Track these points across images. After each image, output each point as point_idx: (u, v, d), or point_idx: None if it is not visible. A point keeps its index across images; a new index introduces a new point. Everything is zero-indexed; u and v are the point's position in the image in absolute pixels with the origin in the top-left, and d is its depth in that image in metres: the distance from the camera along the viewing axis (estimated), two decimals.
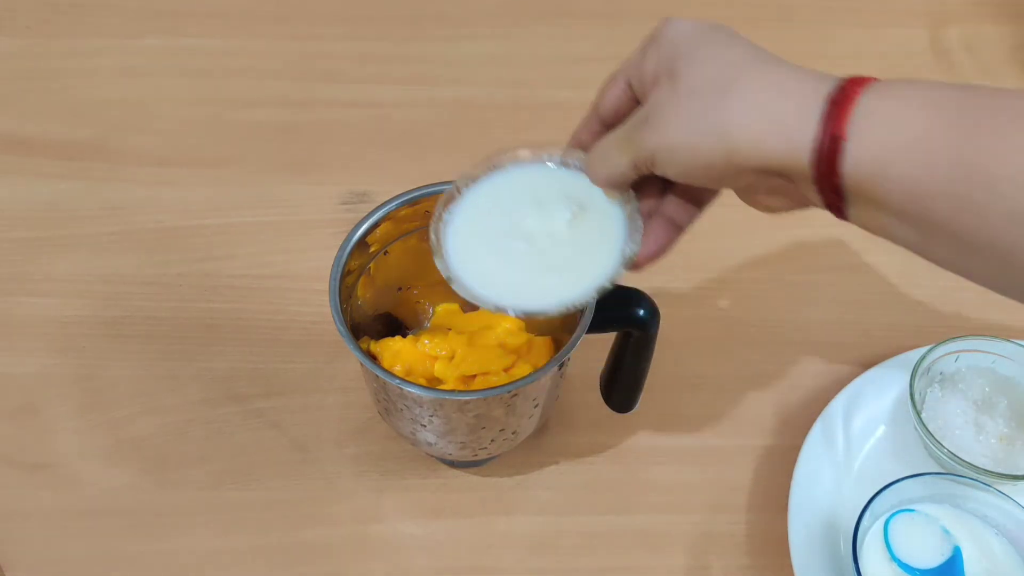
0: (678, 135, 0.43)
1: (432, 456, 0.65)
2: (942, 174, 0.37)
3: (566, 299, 0.49)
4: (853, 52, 0.88)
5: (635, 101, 0.49)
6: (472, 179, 0.53)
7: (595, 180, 0.49)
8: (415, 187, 0.59)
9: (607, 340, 0.62)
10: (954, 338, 0.65)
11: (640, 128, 0.45)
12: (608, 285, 0.49)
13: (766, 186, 0.44)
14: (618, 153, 0.47)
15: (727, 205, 0.50)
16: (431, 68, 0.87)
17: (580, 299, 0.49)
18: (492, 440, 0.59)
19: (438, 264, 0.51)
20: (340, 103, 0.84)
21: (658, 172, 0.46)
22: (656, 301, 0.57)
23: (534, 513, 0.64)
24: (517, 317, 0.56)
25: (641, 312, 0.57)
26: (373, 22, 0.90)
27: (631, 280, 0.58)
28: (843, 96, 0.39)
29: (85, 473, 0.65)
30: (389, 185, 0.61)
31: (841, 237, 0.77)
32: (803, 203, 0.44)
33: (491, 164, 0.53)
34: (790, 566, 0.59)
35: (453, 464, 0.65)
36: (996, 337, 0.65)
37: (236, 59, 0.87)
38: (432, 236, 0.52)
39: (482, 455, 0.61)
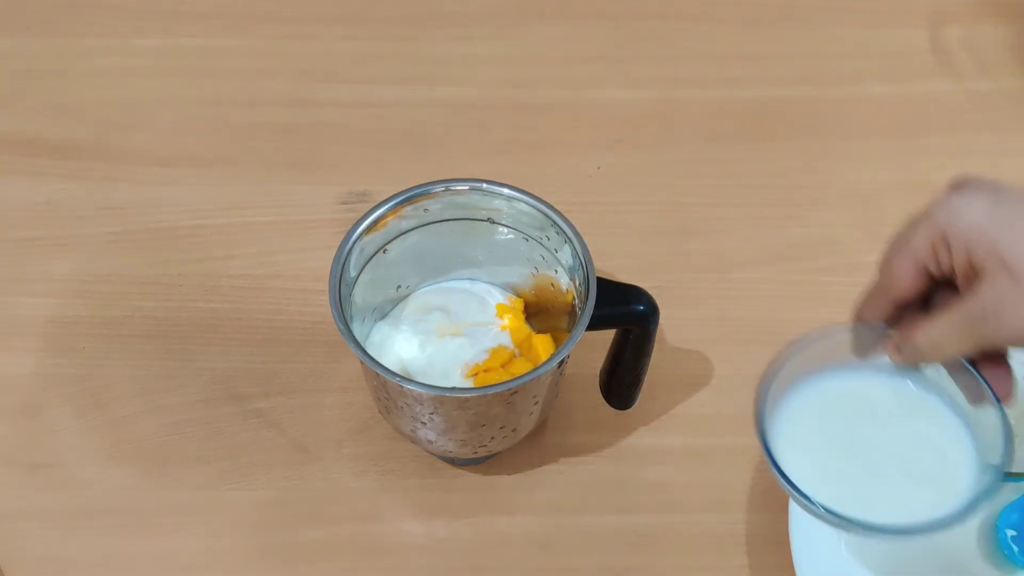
0: None
1: (432, 454, 0.65)
2: None
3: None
4: (853, 52, 0.88)
5: (929, 279, 0.49)
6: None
7: (924, 360, 0.50)
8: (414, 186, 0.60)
9: (607, 339, 0.62)
10: None
11: (985, 323, 0.46)
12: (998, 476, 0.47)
13: None
14: (958, 345, 0.48)
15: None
16: (431, 68, 0.87)
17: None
18: (492, 437, 0.59)
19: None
20: (340, 103, 0.84)
21: (997, 348, 0.48)
22: (656, 301, 0.57)
23: (534, 513, 0.64)
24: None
25: (641, 308, 0.57)
26: (373, 22, 0.90)
27: (630, 278, 0.59)
28: None
29: (85, 473, 0.65)
30: (389, 185, 0.61)
31: (841, 237, 0.77)
32: None
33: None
34: (790, 566, 0.59)
35: (453, 462, 0.65)
36: None
37: (236, 59, 0.87)
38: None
39: (482, 452, 0.61)
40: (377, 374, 0.54)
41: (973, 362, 0.49)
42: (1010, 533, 0.61)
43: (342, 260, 0.58)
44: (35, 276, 0.73)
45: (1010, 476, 0.61)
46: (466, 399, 0.55)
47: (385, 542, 0.63)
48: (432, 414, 0.56)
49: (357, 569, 0.62)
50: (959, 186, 0.48)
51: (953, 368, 0.50)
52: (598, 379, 0.64)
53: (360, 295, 0.61)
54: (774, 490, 0.64)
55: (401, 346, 0.63)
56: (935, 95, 0.85)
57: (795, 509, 0.61)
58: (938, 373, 0.50)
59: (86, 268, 0.73)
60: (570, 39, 0.90)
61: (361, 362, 0.55)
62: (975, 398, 0.49)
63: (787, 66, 0.86)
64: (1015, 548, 0.60)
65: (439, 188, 0.60)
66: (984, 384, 0.48)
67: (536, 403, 0.59)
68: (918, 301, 0.50)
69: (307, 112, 0.83)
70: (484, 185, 0.60)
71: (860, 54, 0.88)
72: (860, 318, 0.52)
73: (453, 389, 0.55)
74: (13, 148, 0.80)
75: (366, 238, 0.60)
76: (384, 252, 0.62)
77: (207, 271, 0.73)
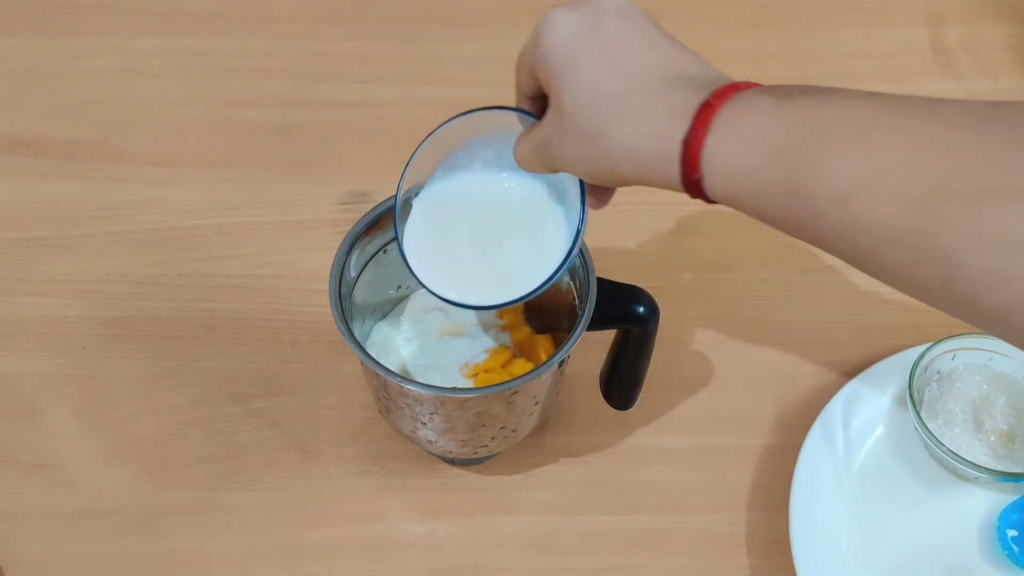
0: (576, 167, 0.48)
1: (432, 455, 0.65)
2: (778, 203, 0.42)
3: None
4: (853, 52, 0.88)
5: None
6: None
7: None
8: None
9: (607, 340, 0.62)
10: (951, 336, 0.65)
11: (546, 150, 0.49)
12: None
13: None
14: (534, 165, 0.51)
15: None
16: (431, 68, 0.87)
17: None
18: (492, 438, 0.59)
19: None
20: (340, 103, 0.84)
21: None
22: (656, 301, 0.57)
23: (534, 513, 0.64)
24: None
25: (641, 309, 0.57)
26: (373, 22, 0.90)
27: (630, 278, 0.59)
28: (693, 139, 0.43)
29: (85, 473, 0.65)
30: (389, 185, 0.61)
31: None
32: None
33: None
34: (790, 566, 0.59)
35: (453, 462, 0.65)
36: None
37: (236, 59, 0.87)
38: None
39: (482, 453, 0.61)
40: (377, 374, 0.54)
41: None
42: (1010, 533, 0.61)
43: (342, 260, 0.58)
44: (35, 276, 0.73)
45: (1010, 476, 0.61)
46: (466, 399, 0.55)
47: (385, 542, 0.63)
48: (432, 414, 0.56)
49: (357, 569, 0.62)
50: None
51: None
52: (598, 379, 0.64)
53: (360, 295, 0.61)
54: (774, 490, 0.64)
55: (401, 346, 0.63)
56: (935, 95, 0.84)
57: (795, 509, 0.61)
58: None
59: (86, 268, 0.73)
60: None
61: (361, 362, 0.55)
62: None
63: (787, 66, 0.86)
64: (1015, 548, 0.60)
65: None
66: (580, 189, 0.51)
67: (536, 403, 0.59)
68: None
69: (307, 112, 0.83)
70: None
71: (860, 54, 0.88)
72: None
73: (453, 389, 0.55)
74: (13, 148, 0.80)
75: (366, 238, 0.60)
76: (384, 252, 0.62)
77: (207, 271, 0.73)
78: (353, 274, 0.60)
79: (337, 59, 0.87)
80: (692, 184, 0.44)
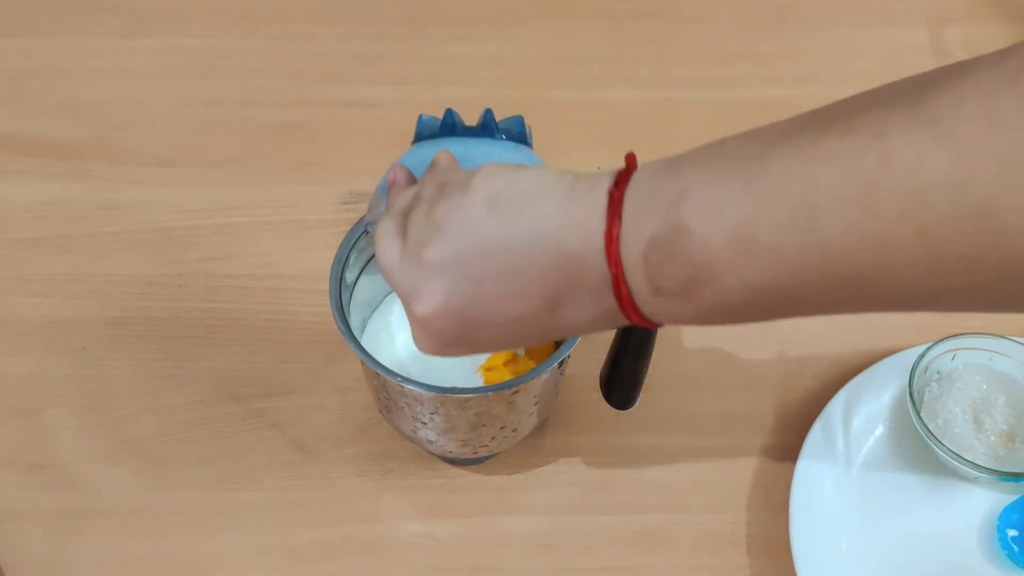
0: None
1: (432, 455, 0.65)
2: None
3: None
4: (853, 52, 0.88)
5: None
6: None
7: None
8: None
9: (607, 340, 0.61)
10: (951, 336, 0.65)
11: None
12: None
13: None
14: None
15: None
16: (431, 68, 0.87)
17: None
18: (493, 437, 0.59)
19: None
20: (340, 103, 0.84)
21: None
22: None
23: (534, 513, 0.64)
24: None
25: None
26: (372, 22, 0.90)
27: None
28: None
29: (85, 473, 0.65)
30: None
31: None
32: None
33: None
34: (790, 566, 0.59)
35: (453, 462, 0.65)
36: (992, 334, 0.65)
37: (236, 59, 0.87)
38: None
39: (483, 452, 0.61)
40: (377, 374, 0.54)
41: None
42: (1010, 533, 0.61)
43: (342, 260, 0.58)
44: (35, 276, 0.73)
45: (1010, 476, 0.61)
46: (467, 399, 0.55)
47: (385, 542, 0.63)
48: (432, 414, 0.56)
49: (357, 569, 0.62)
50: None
51: None
52: (598, 379, 0.64)
53: (360, 295, 0.61)
54: (774, 490, 0.64)
55: (400, 342, 0.63)
56: None
57: (795, 509, 0.61)
58: None
59: (86, 268, 0.73)
60: (570, 39, 0.90)
61: (361, 362, 0.55)
62: None
63: (787, 66, 0.86)
64: (1015, 548, 0.60)
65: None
66: None
67: (536, 403, 0.59)
68: None
69: (307, 112, 0.83)
70: None
71: (860, 54, 0.88)
72: None
73: (453, 389, 0.55)
74: (13, 148, 0.80)
75: (366, 238, 0.60)
76: None
77: (207, 271, 0.73)
78: (353, 274, 0.60)
79: (337, 59, 0.87)
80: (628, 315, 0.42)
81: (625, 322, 0.42)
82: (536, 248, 0.41)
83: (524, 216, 0.41)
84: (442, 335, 0.44)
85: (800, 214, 0.36)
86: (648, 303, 0.41)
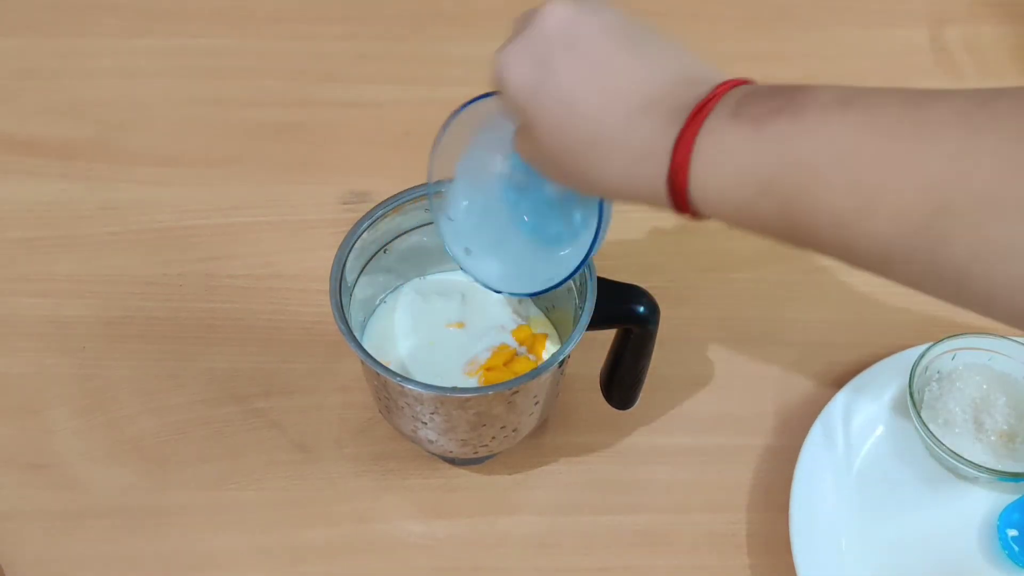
0: (558, 183, 0.48)
1: (433, 454, 0.65)
2: (777, 230, 0.42)
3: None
4: (853, 52, 0.88)
5: None
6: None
7: None
8: (414, 186, 0.60)
9: (607, 340, 0.62)
10: (951, 336, 0.65)
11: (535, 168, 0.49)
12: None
13: None
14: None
15: None
16: (431, 68, 0.87)
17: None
18: (493, 437, 0.59)
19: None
20: (340, 103, 0.84)
21: None
22: (656, 301, 0.57)
23: (534, 513, 0.64)
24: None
25: (641, 309, 0.57)
26: (373, 22, 0.90)
27: (630, 278, 0.59)
28: (676, 180, 0.42)
29: (85, 473, 0.65)
30: (389, 185, 0.61)
31: None
32: None
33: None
34: (790, 566, 0.59)
35: (453, 462, 0.65)
36: (992, 334, 0.65)
37: (236, 59, 0.87)
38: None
39: (483, 452, 0.61)
40: (377, 374, 0.54)
41: None
42: (1010, 533, 0.61)
43: (342, 260, 0.58)
44: (35, 276, 0.73)
45: (1010, 476, 0.61)
46: (467, 399, 0.55)
47: (385, 542, 0.63)
48: (433, 414, 0.56)
49: (357, 569, 0.62)
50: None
51: None
52: (598, 379, 0.64)
53: (360, 295, 0.61)
54: (774, 490, 0.64)
55: (400, 341, 0.63)
56: None
57: (795, 509, 0.61)
58: None
59: (86, 268, 0.73)
60: None
61: (361, 362, 0.55)
62: None
63: (787, 66, 0.86)
64: (1015, 548, 0.60)
65: (440, 188, 0.60)
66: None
67: (537, 403, 0.59)
68: None
69: (307, 112, 0.83)
70: None
71: (860, 54, 0.88)
72: None
73: (454, 389, 0.55)
74: (13, 148, 0.80)
75: (366, 238, 0.60)
76: (384, 252, 0.62)
77: (207, 271, 0.73)
78: (353, 274, 0.60)
79: (337, 59, 0.87)
80: (676, 203, 0.43)
81: (663, 174, 0.42)
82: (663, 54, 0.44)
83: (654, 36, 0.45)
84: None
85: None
86: (716, 132, 0.41)
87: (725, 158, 0.41)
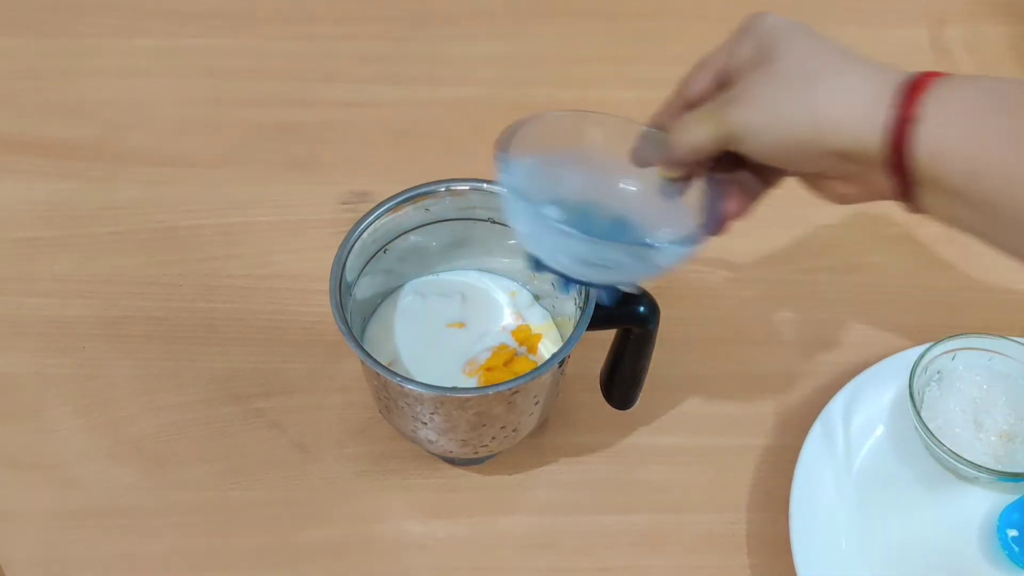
0: (768, 113, 0.46)
1: (433, 454, 0.65)
2: (995, 153, 0.42)
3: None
4: None
5: (719, 89, 0.50)
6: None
7: (675, 151, 0.49)
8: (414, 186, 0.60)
9: (607, 340, 0.62)
10: (951, 336, 0.65)
11: (728, 105, 0.47)
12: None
13: (841, 171, 0.47)
14: (702, 126, 0.48)
15: None
16: (431, 68, 0.87)
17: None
18: (493, 437, 0.59)
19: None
20: (340, 103, 0.84)
21: (740, 149, 0.48)
22: (656, 301, 0.57)
23: (534, 513, 0.64)
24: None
25: (641, 309, 0.57)
26: (373, 22, 0.90)
27: None
28: (916, 84, 0.44)
29: (85, 473, 0.65)
30: (389, 185, 0.61)
31: (841, 237, 0.77)
32: (873, 193, 0.48)
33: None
34: (790, 566, 0.59)
35: (453, 462, 0.65)
36: (992, 334, 0.65)
37: (236, 59, 0.87)
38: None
39: (483, 452, 0.61)
40: (377, 374, 0.54)
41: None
42: (1010, 533, 0.61)
43: (342, 260, 0.58)
44: (35, 276, 0.73)
45: (1010, 476, 0.61)
46: (467, 399, 0.55)
47: (385, 542, 0.63)
48: (433, 414, 0.56)
49: (357, 569, 0.62)
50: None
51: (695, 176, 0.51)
52: (598, 379, 0.64)
53: (361, 295, 0.61)
54: (774, 490, 0.64)
55: (400, 340, 0.63)
56: None
57: (795, 509, 0.61)
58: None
59: (86, 268, 0.73)
60: (570, 39, 0.90)
61: (361, 362, 0.55)
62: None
63: None
64: (1015, 548, 0.60)
65: (440, 188, 0.60)
66: (713, 204, 0.51)
67: (537, 403, 0.59)
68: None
69: (307, 112, 0.83)
70: (484, 185, 0.60)
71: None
72: (654, 121, 0.52)
73: (454, 389, 0.55)
74: (13, 148, 0.80)
75: (366, 238, 0.60)
76: (384, 252, 0.62)
77: (207, 271, 0.73)
78: (353, 274, 0.60)
79: (337, 59, 0.87)
80: (894, 133, 0.44)
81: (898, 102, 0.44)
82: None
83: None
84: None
85: None
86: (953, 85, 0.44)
87: (955, 113, 0.44)
